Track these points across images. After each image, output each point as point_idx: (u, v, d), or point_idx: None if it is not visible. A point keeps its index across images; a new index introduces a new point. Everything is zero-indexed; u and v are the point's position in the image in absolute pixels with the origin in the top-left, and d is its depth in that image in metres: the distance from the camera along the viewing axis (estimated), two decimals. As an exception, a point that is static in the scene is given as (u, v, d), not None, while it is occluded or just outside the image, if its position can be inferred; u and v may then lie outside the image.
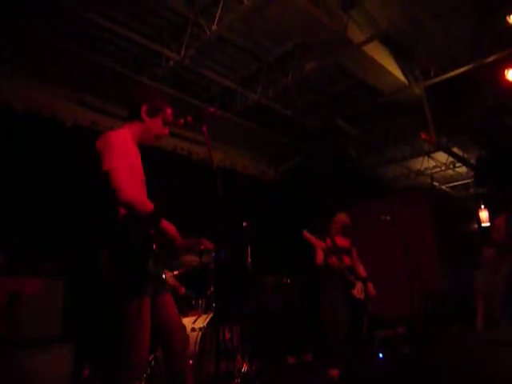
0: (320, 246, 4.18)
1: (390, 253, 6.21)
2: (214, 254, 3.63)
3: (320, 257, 4.19)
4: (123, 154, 2.00)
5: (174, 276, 3.82)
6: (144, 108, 2.18)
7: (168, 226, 2.05)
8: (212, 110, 2.26)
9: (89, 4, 4.18)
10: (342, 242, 4.41)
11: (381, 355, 4.66)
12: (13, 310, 3.22)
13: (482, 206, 8.96)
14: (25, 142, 4.46)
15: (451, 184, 9.82)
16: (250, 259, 4.22)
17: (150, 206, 1.97)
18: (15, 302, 3.25)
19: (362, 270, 4.44)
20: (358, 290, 4.18)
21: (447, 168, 8.69)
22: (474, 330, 4.65)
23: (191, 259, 3.86)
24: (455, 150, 7.84)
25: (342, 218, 4.53)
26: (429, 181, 8.75)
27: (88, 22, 4.36)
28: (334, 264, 4.14)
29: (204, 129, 2.17)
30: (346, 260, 4.30)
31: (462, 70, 5.23)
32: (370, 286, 4.33)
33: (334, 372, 3.84)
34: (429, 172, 8.79)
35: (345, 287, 4.13)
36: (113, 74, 4.89)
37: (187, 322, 3.42)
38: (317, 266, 4.24)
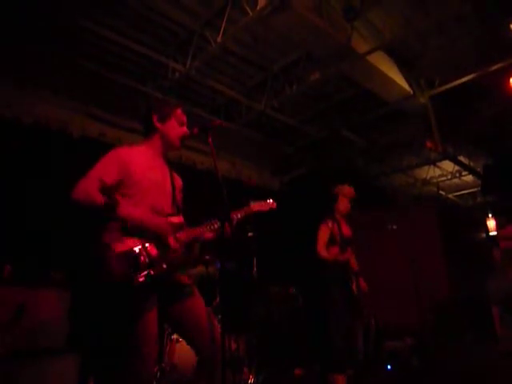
0: (324, 233, 3.88)
1: (397, 262, 6.16)
2: (219, 265, 3.62)
3: (321, 244, 3.87)
4: (104, 165, 2.07)
5: None
6: (154, 117, 2.26)
7: (132, 214, 1.99)
8: (218, 122, 2.29)
9: (95, 16, 4.25)
10: (346, 230, 4.09)
11: (389, 366, 4.59)
12: (20, 321, 3.22)
13: (490, 215, 8.89)
14: (33, 154, 4.50)
15: (458, 193, 9.76)
16: (255, 269, 4.21)
17: (99, 199, 1.94)
18: (22, 313, 3.25)
19: (355, 264, 4.12)
20: (355, 286, 3.90)
21: (453, 177, 8.65)
22: (491, 340, 4.58)
23: (197, 269, 3.86)
24: (461, 158, 7.81)
25: (347, 189, 4.12)
26: (435, 190, 8.71)
27: (94, 35, 4.42)
28: (335, 256, 3.85)
29: (209, 140, 2.18)
30: (348, 252, 3.96)
31: (466, 78, 5.24)
32: (362, 280, 4.02)
33: (339, 377, 3.76)
34: (435, 181, 8.76)
35: (344, 282, 3.86)
36: (120, 86, 4.96)
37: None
38: (316, 254, 3.90)
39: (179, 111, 2.31)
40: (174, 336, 3.44)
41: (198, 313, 2.13)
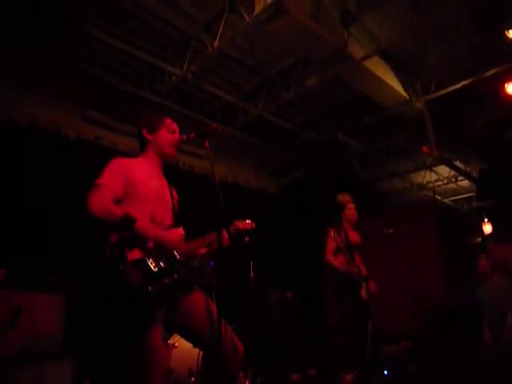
0: (331, 241, 3.99)
1: (394, 267, 6.17)
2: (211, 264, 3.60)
3: (329, 252, 4.00)
4: (111, 175, 2.06)
5: None
6: (144, 130, 2.29)
7: (147, 230, 1.97)
8: (215, 126, 2.30)
9: (92, 20, 4.24)
10: (354, 237, 4.23)
11: (386, 372, 4.58)
12: (15, 325, 3.20)
13: (486, 220, 8.92)
14: (29, 156, 4.49)
15: (454, 198, 9.78)
16: (252, 273, 4.20)
17: (119, 212, 1.94)
18: (18, 317, 3.23)
19: (364, 269, 4.27)
20: (363, 292, 4.01)
21: (449, 182, 8.68)
22: (482, 346, 4.59)
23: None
24: (457, 163, 7.84)
25: (345, 197, 4.27)
26: (431, 194, 8.73)
27: (91, 38, 4.42)
28: (343, 263, 3.97)
29: (206, 144, 2.19)
30: (356, 257, 4.11)
31: (462, 83, 5.27)
32: (372, 284, 4.16)
33: (348, 377, 3.78)
34: (431, 186, 8.78)
35: (353, 288, 3.96)
36: (116, 90, 4.95)
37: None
38: (325, 263, 4.03)
39: (168, 120, 2.33)
40: (170, 341, 3.43)
41: (200, 310, 2.11)
